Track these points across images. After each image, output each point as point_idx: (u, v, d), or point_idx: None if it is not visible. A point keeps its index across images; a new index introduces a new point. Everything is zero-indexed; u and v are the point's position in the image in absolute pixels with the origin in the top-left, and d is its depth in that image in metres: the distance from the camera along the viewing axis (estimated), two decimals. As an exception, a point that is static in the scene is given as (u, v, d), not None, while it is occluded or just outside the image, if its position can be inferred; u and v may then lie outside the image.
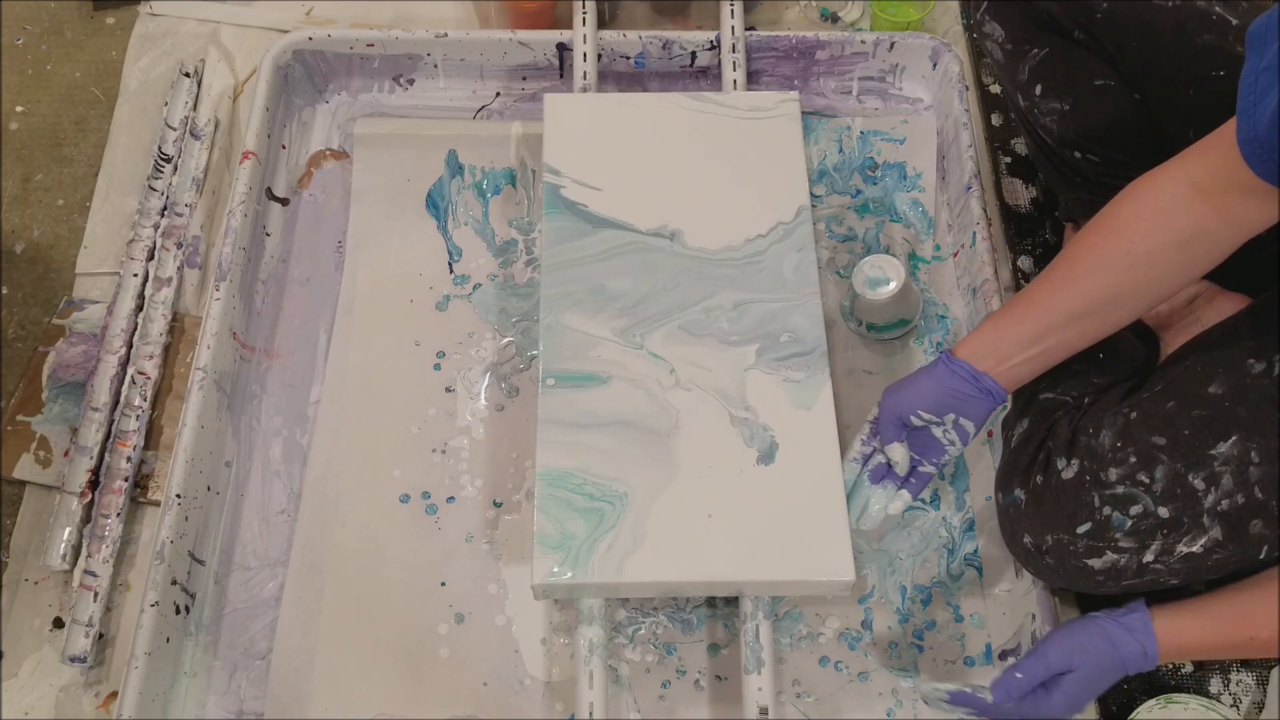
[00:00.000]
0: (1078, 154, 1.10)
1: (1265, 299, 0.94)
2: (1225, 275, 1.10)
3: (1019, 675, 0.88)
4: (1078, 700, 0.88)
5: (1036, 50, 1.09)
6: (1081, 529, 0.91)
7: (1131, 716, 1.00)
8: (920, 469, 0.99)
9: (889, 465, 0.99)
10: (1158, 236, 0.86)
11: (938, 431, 0.96)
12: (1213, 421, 0.88)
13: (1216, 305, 1.07)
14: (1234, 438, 0.88)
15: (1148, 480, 0.89)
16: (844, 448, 1.01)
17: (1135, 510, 0.90)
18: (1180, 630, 0.87)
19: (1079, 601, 1.08)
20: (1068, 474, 0.92)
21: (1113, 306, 0.90)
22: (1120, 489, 0.90)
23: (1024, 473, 0.96)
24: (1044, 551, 0.93)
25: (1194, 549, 0.89)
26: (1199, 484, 0.88)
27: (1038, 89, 1.10)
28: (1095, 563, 0.91)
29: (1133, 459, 0.90)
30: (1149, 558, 0.90)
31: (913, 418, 0.96)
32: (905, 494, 0.99)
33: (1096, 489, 0.91)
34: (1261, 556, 0.89)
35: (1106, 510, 0.90)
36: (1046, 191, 1.28)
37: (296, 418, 1.16)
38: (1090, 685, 0.88)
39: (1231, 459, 0.87)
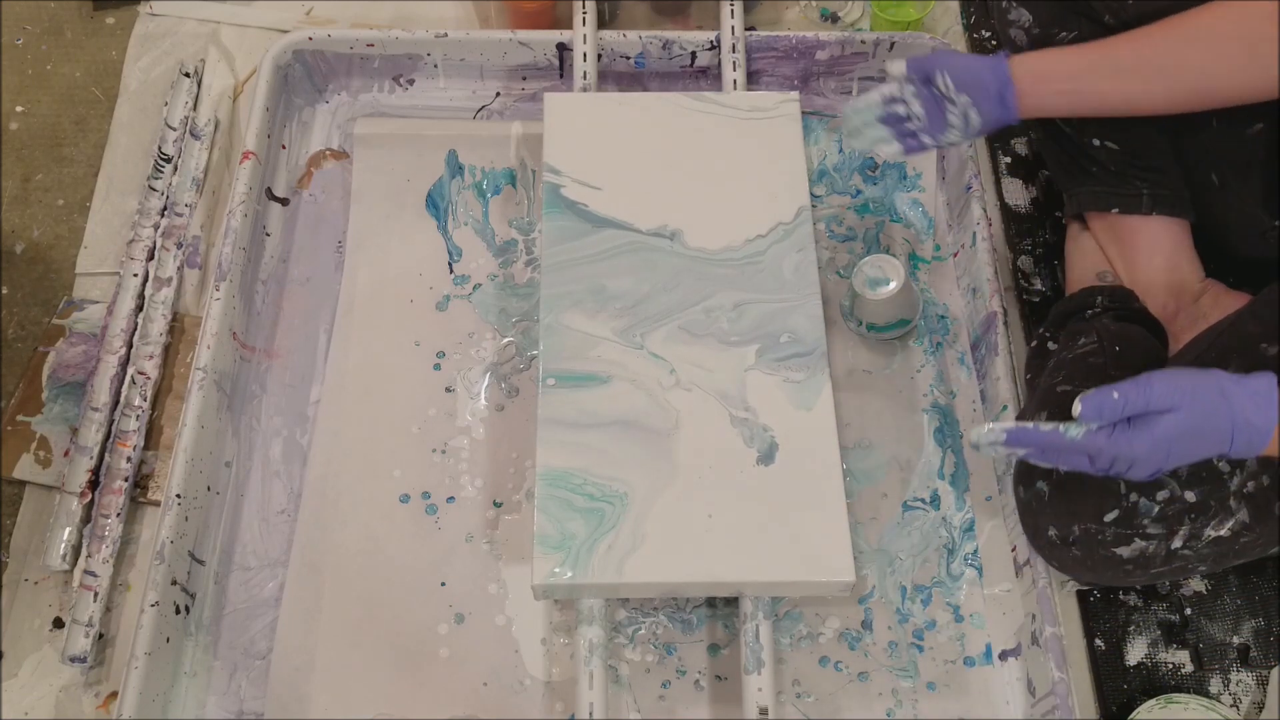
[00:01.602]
0: (1097, 141, 1.10)
1: (1266, 292, 0.94)
2: (1228, 274, 1.10)
3: (1115, 395, 0.78)
4: (1166, 449, 0.78)
5: (1065, 34, 1.08)
6: (1109, 517, 0.91)
7: (1131, 716, 1.00)
8: (921, 135, 1.00)
9: (901, 119, 1.00)
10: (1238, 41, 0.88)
11: (952, 111, 0.97)
12: None
13: (1222, 303, 1.07)
14: None
15: None
16: (843, 448, 1.01)
17: (1162, 495, 0.89)
18: None
19: (1080, 602, 1.08)
20: None
21: (1164, 76, 0.92)
22: None
23: None
24: (1070, 543, 0.93)
25: (1221, 532, 0.89)
26: (1224, 466, 0.88)
27: None
28: (1124, 551, 0.91)
29: None
30: (1177, 543, 0.90)
31: (938, 76, 0.97)
32: (897, 145, 1.01)
33: None
34: None
35: (1134, 496, 0.90)
36: (1046, 191, 1.28)
37: (296, 418, 1.16)
38: (1187, 434, 0.78)
39: None
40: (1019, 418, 1.05)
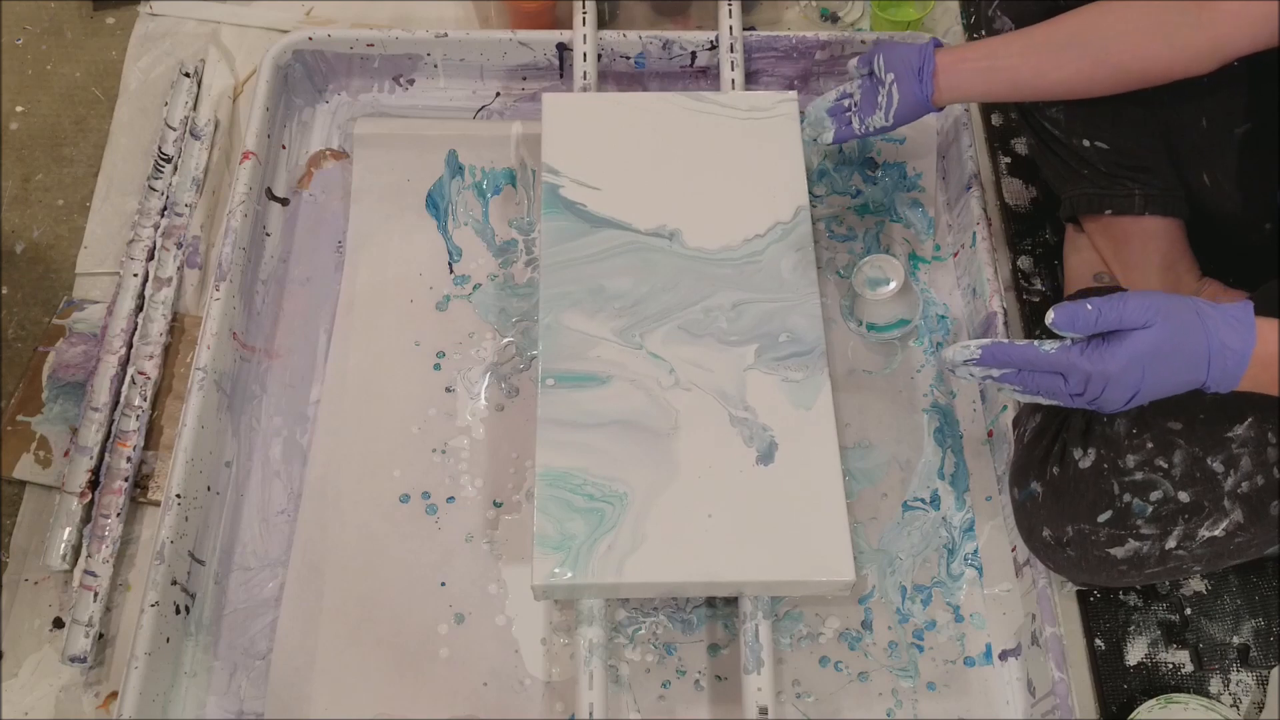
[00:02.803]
0: (1086, 142, 1.10)
1: (1263, 290, 0.94)
2: (1226, 273, 1.10)
3: (1089, 307, 0.77)
4: (1141, 368, 0.77)
5: None
6: (1102, 517, 0.91)
7: (1131, 716, 1.00)
8: (852, 119, 1.10)
9: (844, 109, 1.10)
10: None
11: (880, 92, 1.06)
12: (1227, 404, 0.88)
13: (1219, 302, 1.07)
14: (1249, 419, 0.87)
15: (1166, 465, 0.89)
16: (843, 448, 1.01)
17: (1155, 496, 0.89)
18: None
19: (1080, 602, 1.08)
20: (1085, 463, 0.92)
21: (1070, 46, 0.96)
22: (1139, 475, 0.90)
23: (1040, 465, 0.96)
24: (1065, 544, 0.93)
25: (1216, 533, 0.89)
26: (1218, 467, 0.88)
27: None
28: (1118, 551, 0.91)
29: (1150, 445, 0.90)
30: (1171, 544, 0.90)
31: (875, 58, 1.07)
32: (830, 131, 1.12)
33: (1115, 476, 0.90)
34: None
35: (1126, 497, 0.90)
36: (1046, 191, 1.28)
37: (296, 418, 1.16)
38: (1163, 353, 0.77)
39: (1249, 440, 0.87)
40: (1015, 421, 1.05)
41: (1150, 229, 1.10)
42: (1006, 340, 0.84)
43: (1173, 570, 0.92)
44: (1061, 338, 0.81)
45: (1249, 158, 1.02)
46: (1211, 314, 0.78)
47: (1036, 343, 0.82)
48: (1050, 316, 0.78)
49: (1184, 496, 0.89)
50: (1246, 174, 1.03)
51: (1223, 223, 1.08)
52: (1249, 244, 1.07)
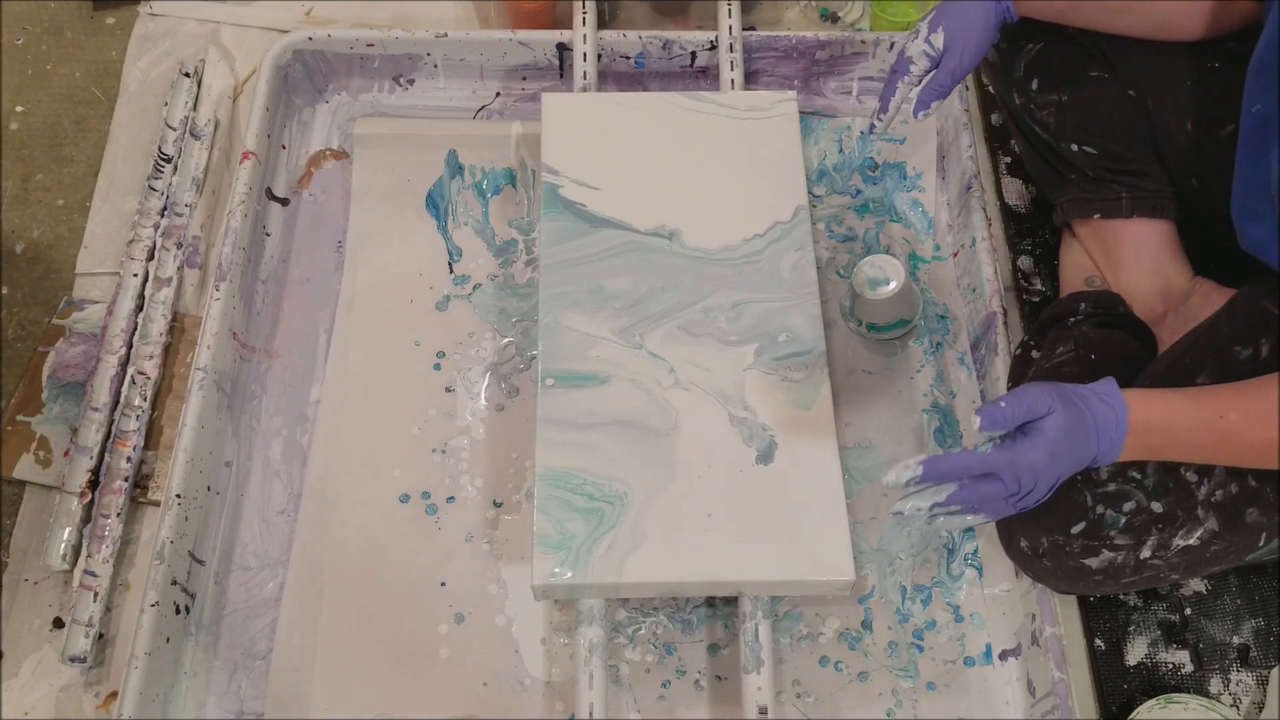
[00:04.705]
0: (1075, 146, 1.10)
1: (1246, 290, 0.94)
2: (1223, 273, 1.10)
3: (1003, 405, 0.81)
4: (1054, 449, 0.81)
5: (1032, 45, 1.10)
6: (1076, 529, 0.91)
7: (1131, 716, 1.00)
8: (936, 78, 1.04)
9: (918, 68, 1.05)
10: None
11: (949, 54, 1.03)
12: None
13: (1212, 302, 1.07)
14: None
15: (1139, 476, 0.90)
16: (843, 448, 1.01)
17: (1128, 507, 0.90)
18: (1149, 403, 0.83)
19: (1080, 602, 1.08)
20: None
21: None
22: (1112, 486, 0.90)
23: None
24: (1041, 554, 0.93)
25: (1190, 541, 0.89)
26: (1191, 476, 0.89)
27: (1034, 83, 1.10)
28: (1092, 562, 0.91)
29: None
30: (1146, 554, 0.90)
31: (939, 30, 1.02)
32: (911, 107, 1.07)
33: (1088, 488, 0.91)
34: (1261, 544, 0.89)
35: (1099, 509, 0.90)
36: (1046, 191, 1.28)
37: (296, 418, 1.16)
38: (1068, 432, 0.81)
39: None
40: None
41: (1138, 232, 1.11)
42: (942, 453, 0.85)
43: (1150, 579, 0.93)
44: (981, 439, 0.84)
45: (1231, 161, 1.02)
46: (1089, 399, 0.83)
47: (972, 446, 0.84)
48: (977, 422, 0.81)
49: (1157, 506, 0.89)
50: (1230, 177, 1.03)
51: (1213, 226, 1.08)
52: (1241, 244, 1.07)
